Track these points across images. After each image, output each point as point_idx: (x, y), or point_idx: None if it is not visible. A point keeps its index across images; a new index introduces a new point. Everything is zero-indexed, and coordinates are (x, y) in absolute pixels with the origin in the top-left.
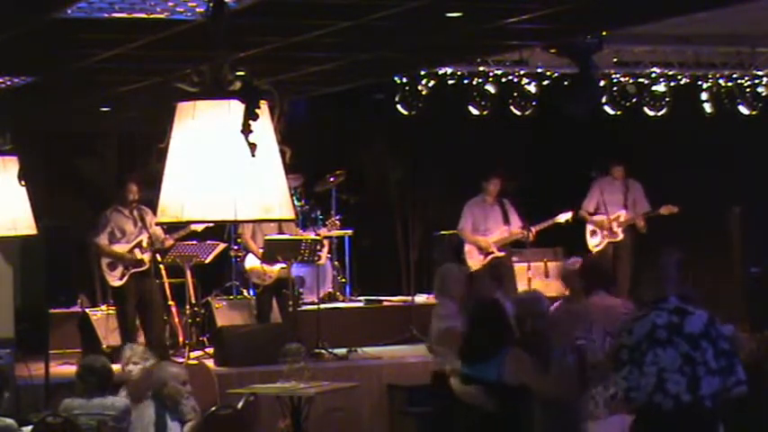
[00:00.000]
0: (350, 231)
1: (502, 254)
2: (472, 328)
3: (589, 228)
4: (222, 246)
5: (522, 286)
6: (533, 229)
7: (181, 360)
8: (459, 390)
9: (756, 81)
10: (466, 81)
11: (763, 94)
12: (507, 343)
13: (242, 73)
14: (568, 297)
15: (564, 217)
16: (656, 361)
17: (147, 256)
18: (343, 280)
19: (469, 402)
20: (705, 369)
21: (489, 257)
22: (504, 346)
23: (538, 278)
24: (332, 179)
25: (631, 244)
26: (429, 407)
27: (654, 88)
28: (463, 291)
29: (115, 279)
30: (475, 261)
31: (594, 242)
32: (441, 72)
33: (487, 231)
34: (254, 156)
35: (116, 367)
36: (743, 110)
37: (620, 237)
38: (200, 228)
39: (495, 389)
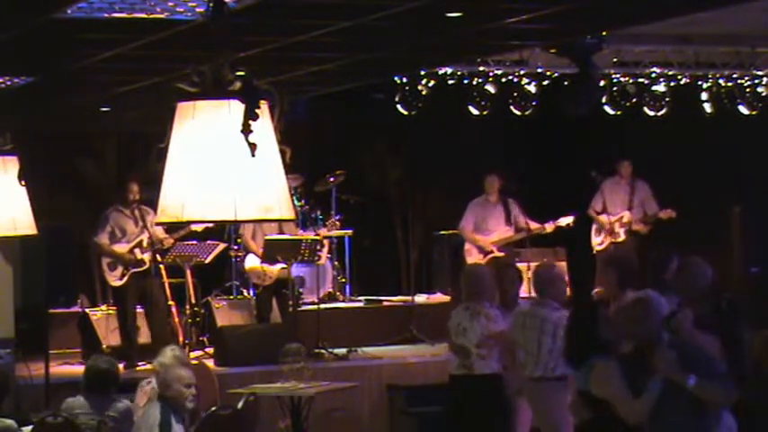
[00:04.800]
0: (350, 231)
1: (501, 254)
2: (571, 330)
3: (594, 227)
4: (222, 246)
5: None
6: (540, 225)
7: None
8: (569, 406)
9: (756, 81)
10: (466, 81)
11: (763, 94)
12: (600, 350)
13: (242, 73)
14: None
15: (565, 221)
16: None
17: (147, 256)
18: (343, 280)
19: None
20: None
21: (489, 257)
22: (595, 353)
23: None
24: (332, 179)
25: (633, 245)
26: (435, 406)
27: (654, 88)
28: (495, 291)
29: (115, 279)
30: (474, 260)
31: (597, 241)
32: (441, 72)
33: (489, 231)
34: (254, 156)
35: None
36: (743, 110)
37: (622, 237)
38: (200, 228)
39: (586, 399)
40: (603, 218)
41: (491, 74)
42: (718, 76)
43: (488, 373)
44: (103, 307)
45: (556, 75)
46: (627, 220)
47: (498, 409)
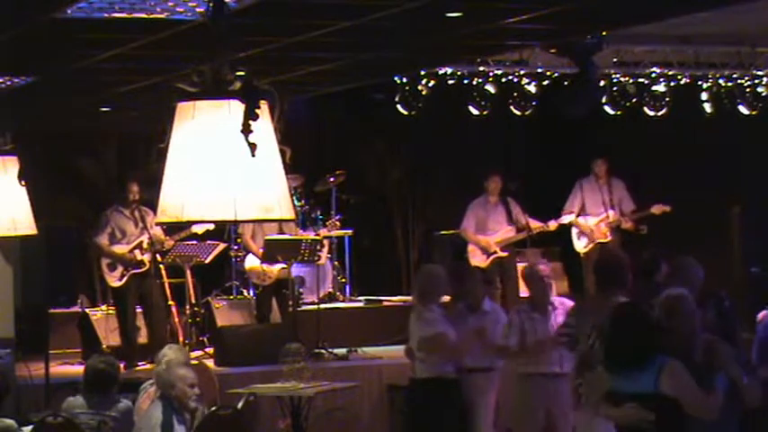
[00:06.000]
0: (350, 231)
1: (505, 254)
2: (615, 332)
3: (575, 230)
4: (222, 246)
5: (522, 286)
6: (542, 224)
7: None
8: (613, 415)
9: (756, 81)
10: (466, 81)
11: (763, 94)
12: (658, 349)
13: (242, 73)
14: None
15: (568, 219)
16: None
17: (146, 257)
18: (343, 280)
19: (627, 425)
20: None
21: (492, 258)
22: (656, 353)
23: None
24: (332, 179)
25: (621, 244)
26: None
27: (654, 88)
28: (445, 292)
29: (115, 279)
30: (478, 261)
31: (582, 244)
32: (441, 72)
33: (492, 231)
34: (254, 156)
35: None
36: (743, 110)
37: (609, 237)
38: (200, 230)
39: (651, 400)
40: (584, 221)
41: (491, 74)
42: (718, 76)
43: (426, 377)
44: (103, 307)
45: (556, 75)
46: (612, 220)
47: (443, 414)
